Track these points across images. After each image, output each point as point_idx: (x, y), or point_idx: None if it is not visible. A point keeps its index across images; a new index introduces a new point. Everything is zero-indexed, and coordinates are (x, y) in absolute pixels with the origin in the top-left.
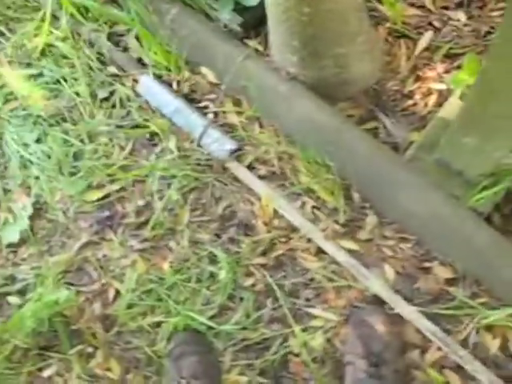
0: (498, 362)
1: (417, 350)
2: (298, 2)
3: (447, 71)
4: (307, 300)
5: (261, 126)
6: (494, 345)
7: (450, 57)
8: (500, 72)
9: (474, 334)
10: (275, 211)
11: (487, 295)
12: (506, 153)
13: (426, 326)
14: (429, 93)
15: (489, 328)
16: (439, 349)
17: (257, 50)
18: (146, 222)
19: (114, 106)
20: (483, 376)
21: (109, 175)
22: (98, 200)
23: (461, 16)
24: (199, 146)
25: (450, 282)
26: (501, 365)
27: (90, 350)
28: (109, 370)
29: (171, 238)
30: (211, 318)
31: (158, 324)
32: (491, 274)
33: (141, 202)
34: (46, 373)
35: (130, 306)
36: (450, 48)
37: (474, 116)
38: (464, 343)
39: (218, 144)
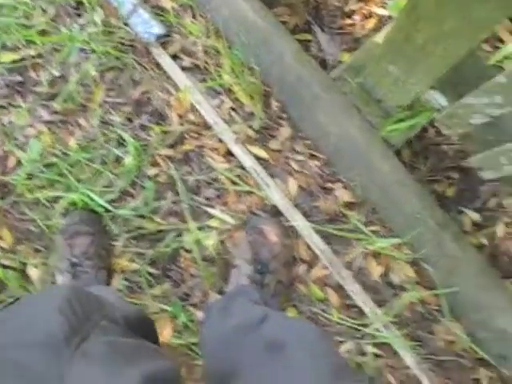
0: (376, 287)
1: (304, 264)
2: None
3: None
4: (207, 199)
5: (193, 16)
6: (376, 271)
7: None
8: (426, 2)
9: (360, 259)
10: (191, 105)
11: (380, 224)
12: (425, 88)
13: (317, 243)
14: (369, 15)
15: (375, 255)
16: (325, 267)
17: None
18: (58, 94)
19: None
20: (358, 297)
21: (26, 38)
22: (11, 63)
23: None
24: (126, 24)
25: (349, 205)
26: (378, 290)
27: None
28: (0, 238)
29: (82, 114)
30: (110, 201)
31: (56, 199)
32: (388, 205)
33: (56, 73)
34: None
35: (29, 177)
36: None
37: (399, 45)
38: (349, 265)
39: (146, 26)
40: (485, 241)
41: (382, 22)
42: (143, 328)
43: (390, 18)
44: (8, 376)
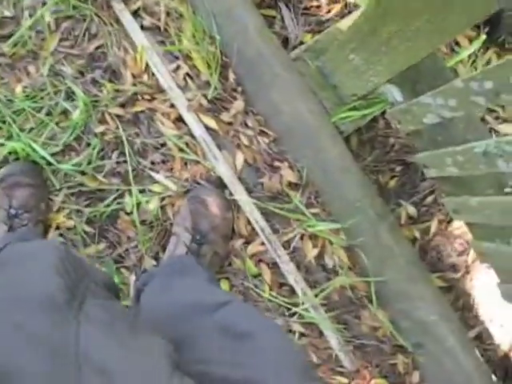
0: (310, 268)
1: (242, 239)
2: None
3: None
4: (152, 163)
5: None
6: (311, 253)
7: None
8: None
9: (297, 239)
10: (147, 66)
11: (321, 207)
12: (383, 81)
13: (257, 219)
14: (336, 0)
15: (312, 237)
16: (262, 244)
17: None
18: (8, 37)
19: None
20: (291, 276)
21: None
22: None
23: None
24: None
25: (292, 186)
26: (311, 271)
27: None
28: None
29: (32, 61)
30: (53, 154)
31: None
32: (330, 190)
33: (8, 13)
34: None
35: None
36: None
37: (365, 35)
38: (286, 245)
39: None
40: (418, 235)
41: (348, 8)
42: (114, 291)
43: (355, 5)
44: (8, 338)
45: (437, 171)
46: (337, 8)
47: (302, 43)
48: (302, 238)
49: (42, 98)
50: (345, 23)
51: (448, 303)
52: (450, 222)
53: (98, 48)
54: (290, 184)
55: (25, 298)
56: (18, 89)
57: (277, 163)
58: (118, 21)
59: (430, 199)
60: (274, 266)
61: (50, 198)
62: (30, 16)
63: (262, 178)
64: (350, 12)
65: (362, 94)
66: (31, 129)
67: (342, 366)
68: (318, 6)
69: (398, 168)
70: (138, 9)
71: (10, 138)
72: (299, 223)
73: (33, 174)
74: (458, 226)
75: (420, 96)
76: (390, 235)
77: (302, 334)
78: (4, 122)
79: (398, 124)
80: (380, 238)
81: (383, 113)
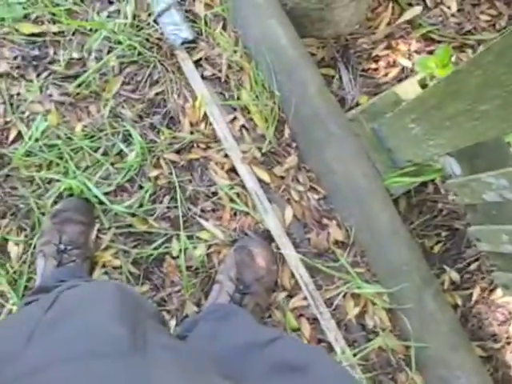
0: (350, 327)
1: (285, 292)
2: None
3: (418, 51)
4: (202, 211)
5: (224, 28)
6: (353, 311)
7: (426, 39)
8: (471, 81)
9: (340, 297)
10: (205, 116)
11: (366, 267)
12: (442, 153)
13: (302, 274)
14: (394, 64)
15: (354, 296)
16: (305, 299)
17: None
18: (73, 77)
19: None
20: (331, 333)
21: (52, 14)
22: (32, 35)
23: (453, 5)
24: (155, 22)
25: (339, 244)
26: (351, 330)
27: None
28: None
29: (93, 102)
30: (106, 193)
31: (51, 181)
32: (377, 251)
33: (75, 55)
34: None
35: (27, 154)
36: (430, 31)
37: (430, 108)
38: (328, 302)
39: (175, 28)
40: (460, 301)
41: (405, 72)
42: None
43: (412, 70)
44: None
45: (491, 246)
46: (394, 72)
47: (358, 104)
48: (344, 296)
49: (99, 138)
50: (401, 89)
51: (488, 374)
52: (492, 290)
53: (158, 94)
54: (336, 242)
55: (93, 350)
56: (78, 127)
57: (325, 220)
58: (179, 69)
59: (473, 266)
60: (314, 322)
61: (98, 236)
62: (96, 59)
63: (309, 234)
64: (406, 76)
65: (417, 162)
66: (87, 167)
67: None
68: (376, 69)
69: (444, 233)
70: (200, 59)
71: (66, 174)
72: (343, 282)
73: (85, 212)
74: (501, 296)
75: (480, 172)
76: (434, 301)
77: None
78: (61, 159)
79: (454, 196)
80: (424, 303)
81: (433, 178)
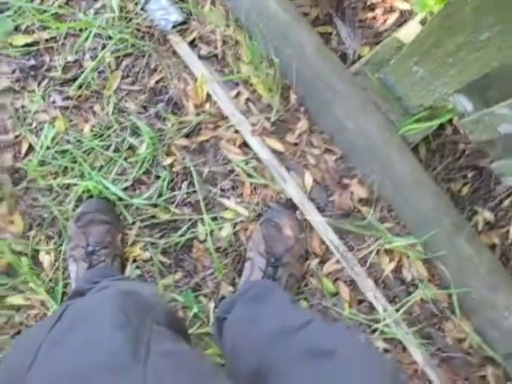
0: (387, 283)
1: (317, 259)
2: None
3: None
4: (222, 190)
5: (212, 3)
6: (388, 267)
7: None
8: (465, 10)
9: (373, 255)
10: (208, 95)
11: (394, 221)
12: (450, 91)
13: (331, 238)
14: (391, 10)
15: (388, 252)
16: (338, 262)
17: None
18: (72, 80)
19: None
20: (370, 293)
21: (41, 21)
22: (25, 46)
23: None
24: (143, 10)
25: (364, 201)
26: (389, 286)
27: None
28: (12, 223)
29: (96, 101)
30: (124, 189)
31: (69, 186)
32: (403, 203)
33: (70, 58)
34: None
35: (42, 164)
36: None
37: (429, 47)
38: (362, 261)
39: (164, 13)
40: (497, 240)
41: (404, 16)
42: (178, 326)
43: (411, 13)
44: None
45: None
46: (393, 17)
47: (360, 57)
48: (377, 253)
49: (109, 136)
50: (402, 32)
51: None
52: None
53: (158, 82)
54: (361, 200)
55: (89, 359)
56: (86, 129)
57: (346, 180)
58: (175, 53)
59: (506, 203)
60: (351, 283)
61: (124, 233)
62: (91, 58)
63: (332, 196)
64: (405, 21)
65: (428, 105)
66: (101, 166)
67: (429, 381)
68: (374, 18)
69: (470, 174)
70: (194, 39)
71: (82, 177)
72: (374, 239)
73: (106, 211)
74: None
75: (492, 105)
76: (469, 244)
77: (385, 350)
78: (75, 162)
79: (470, 134)
80: (458, 248)
81: (450, 119)
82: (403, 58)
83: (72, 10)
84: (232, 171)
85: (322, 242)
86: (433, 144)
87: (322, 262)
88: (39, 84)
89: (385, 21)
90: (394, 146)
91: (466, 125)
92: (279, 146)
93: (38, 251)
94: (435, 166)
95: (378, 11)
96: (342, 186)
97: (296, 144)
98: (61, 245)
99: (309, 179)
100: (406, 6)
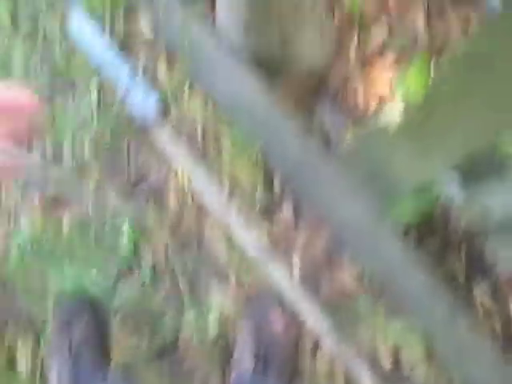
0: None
1: (309, 350)
2: None
3: (395, 72)
4: (207, 285)
5: (192, 92)
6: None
7: (400, 57)
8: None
9: (368, 342)
10: (190, 187)
11: (389, 308)
12: (442, 171)
13: (323, 327)
14: (373, 91)
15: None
16: (331, 351)
17: (201, 10)
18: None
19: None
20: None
21: None
22: None
23: (419, 17)
24: (121, 100)
25: (356, 285)
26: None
27: None
28: None
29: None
30: (105, 286)
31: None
32: (397, 288)
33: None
34: None
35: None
36: (403, 48)
37: (416, 126)
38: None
39: (143, 104)
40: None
41: (387, 96)
42: None
43: (393, 93)
44: None
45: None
46: (375, 98)
47: (344, 140)
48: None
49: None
50: (387, 112)
51: None
52: None
53: (140, 175)
54: (352, 284)
55: None
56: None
57: (336, 265)
58: (155, 146)
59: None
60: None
61: (108, 329)
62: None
63: (322, 282)
64: (389, 102)
65: (417, 186)
66: (81, 260)
67: None
68: (356, 100)
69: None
70: (175, 131)
71: (60, 272)
72: (369, 325)
73: (89, 308)
74: None
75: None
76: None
77: None
78: (53, 256)
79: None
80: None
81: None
82: (391, 138)
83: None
84: (217, 264)
85: (314, 332)
86: (422, 225)
87: (315, 354)
88: None
89: (367, 102)
90: (383, 228)
91: (456, 211)
92: (264, 235)
93: (13, 352)
94: (430, 244)
95: (360, 93)
96: (332, 271)
97: (282, 231)
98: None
99: (297, 267)
100: (387, 87)
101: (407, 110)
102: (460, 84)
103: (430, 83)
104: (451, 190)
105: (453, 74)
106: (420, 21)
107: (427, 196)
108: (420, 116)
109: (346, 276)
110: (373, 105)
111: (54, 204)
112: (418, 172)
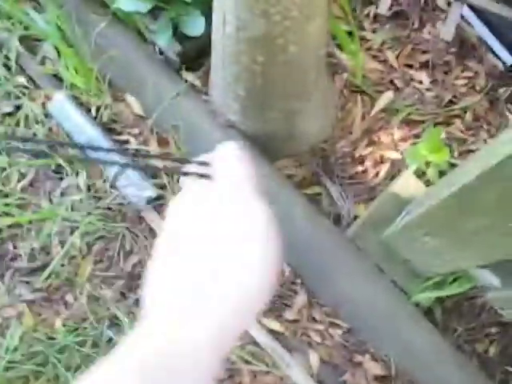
0: None
1: None
2: (252, 48)
3: (404, 139)
4: (220, 381)
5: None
6: None
7: (408, 123)
8: (488, 196)
9: None
10: None
11: None
12: (472, 265)
13: None
14: (381, 161)
15: None
16: None
17: (194, 86)
18: (40, 269)
19: (18, 124)
20: None
21: (3, 210)
22: None
23: (424, 78)
24: (113, 187)
25: (381, 379)
26: None
27: None
28: None
29: (68, 290)
30: None
31: None
32: (425, 376)
33: (36, 245)
34: None
35: (7, 369)
36: (410, 113)
37: (442, 224)
38: None
39: (136, 188)
40: None
41: (396, 166)
42: None
43: (403, 162)
44: None
45: None
46: (384, 169)
47: (356, 217)
48: None
49: (85, 329)
50: (398, 186)
51: None
52: None
53: (135, 265)
54: (376, 378)
55: None
56: (58, 323)
57: (357, 357)
58: (151, 231)
59: None
60: None
61: None
62: (61, 243)
63: (343, 376)
64: (399, 170)
65: (444, 273)
66: (78, 366)
67: None
68: (364, 171)
69: (494, 330)
70: None
71: (55, 380)
72: None
73: None
74: None
75: None
76: None
77: None
78: (47, 364)
79: (501, 310)
80: None
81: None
82: (409, 226)
83: (36, 192)
84: (227, 359)
85: None
86: (447, 302)
87: None
88: (3, 276)
89: (377, 173)
90: (406, 313)
91: (495, 301)
92: (277, 326)
93: None
94: (455, 328)
95: (368, 164)
96: (354, 364)
97: (296, 321)
98: None
99: (315, 359)
100: (396, 155)
101: (434, 204)
102: (505, 192)
103: (463, 185)
104: (488, 281)
105: (497, 181)
106: (425, 80)
107: (459, 281)
108: (451, 213)
109: (370, 370)
110: (383, 172)
111: (44, 304)
112: (448, 260)
